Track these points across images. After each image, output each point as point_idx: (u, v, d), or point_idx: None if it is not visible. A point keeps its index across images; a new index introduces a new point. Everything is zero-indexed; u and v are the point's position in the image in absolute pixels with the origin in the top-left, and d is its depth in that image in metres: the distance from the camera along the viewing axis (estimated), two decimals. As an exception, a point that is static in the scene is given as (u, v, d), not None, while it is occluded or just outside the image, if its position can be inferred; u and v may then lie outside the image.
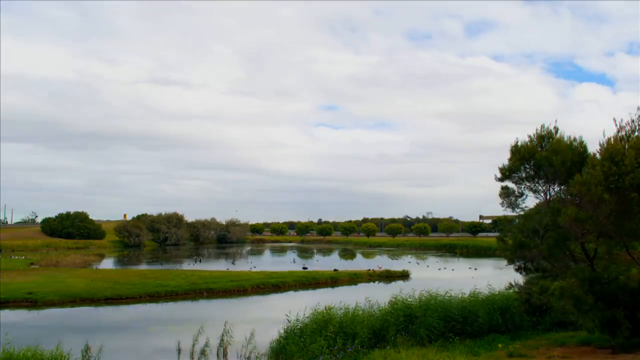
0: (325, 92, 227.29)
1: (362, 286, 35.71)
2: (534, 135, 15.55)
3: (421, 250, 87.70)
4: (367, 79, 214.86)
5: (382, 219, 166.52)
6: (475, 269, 49.41)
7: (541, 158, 14.91)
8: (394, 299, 17.46)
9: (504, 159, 16.05)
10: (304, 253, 79.18)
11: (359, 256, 73.56)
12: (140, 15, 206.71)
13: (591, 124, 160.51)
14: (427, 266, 53.11)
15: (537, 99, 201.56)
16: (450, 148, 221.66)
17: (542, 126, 15.61)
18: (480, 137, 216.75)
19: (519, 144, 15.60)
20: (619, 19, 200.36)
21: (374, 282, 38.66)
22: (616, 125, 12.99)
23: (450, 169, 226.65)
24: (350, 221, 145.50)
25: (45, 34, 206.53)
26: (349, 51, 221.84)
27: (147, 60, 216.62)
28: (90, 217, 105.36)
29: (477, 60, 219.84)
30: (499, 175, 16.18)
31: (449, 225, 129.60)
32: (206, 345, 15.17)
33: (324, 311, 15.90)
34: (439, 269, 49.60)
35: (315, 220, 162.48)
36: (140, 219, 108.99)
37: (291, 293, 32.47)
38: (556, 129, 15.52)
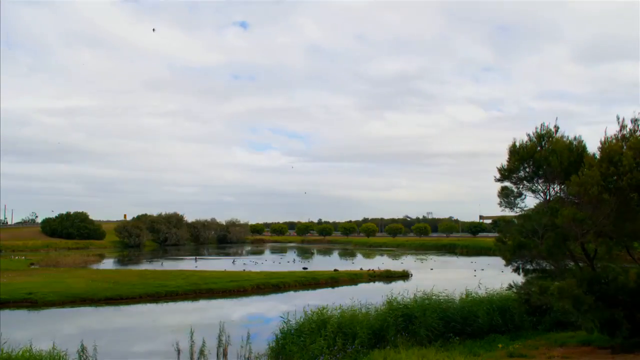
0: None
1: (362, 286, 35.70)
2: (533, 135, 15.46)
3: (421, 250, 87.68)
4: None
5: (382, 219, 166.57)
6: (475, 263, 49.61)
7: (540, 158, 14.82)
8: (389, 299, 17.37)
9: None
10: (304, 253, 79.16)
11: (359, 256, 73.52)
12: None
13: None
14: (431, 268, 52.78)
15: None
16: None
17: (542, 125, 15.46)
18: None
19: (517, 144, 15.52)
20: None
21: (375, 282, 38.64)
22: (618, 123, 12.96)
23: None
24: (350, 221, 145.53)
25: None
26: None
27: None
28: (90, 217, 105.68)
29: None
30: (497, 176, 16.14)
31: (449, 225, 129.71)
32: (205, 345, 15.16)
33: (318, 311, 15.89)
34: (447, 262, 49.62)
35: (316, 220, 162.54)
36: (141, 219, 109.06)
37: (291, 293, 32.47)
38: (556, 128, 15.33)
